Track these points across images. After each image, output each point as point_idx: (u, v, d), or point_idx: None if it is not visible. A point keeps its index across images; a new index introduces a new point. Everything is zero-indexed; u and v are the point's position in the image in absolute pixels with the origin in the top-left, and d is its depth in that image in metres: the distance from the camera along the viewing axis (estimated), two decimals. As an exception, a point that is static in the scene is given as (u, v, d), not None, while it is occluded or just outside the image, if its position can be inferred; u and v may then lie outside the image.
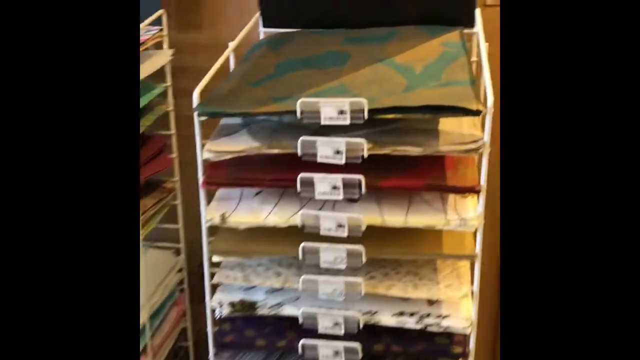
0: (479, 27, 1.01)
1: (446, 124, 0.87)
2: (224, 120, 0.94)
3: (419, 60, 0.94)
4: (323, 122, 0.80)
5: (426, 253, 0.87)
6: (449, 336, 0.89)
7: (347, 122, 0.80)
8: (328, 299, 0.88)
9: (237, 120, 0.93)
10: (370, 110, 0.79)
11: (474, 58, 1.05)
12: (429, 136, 0.84)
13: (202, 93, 0.85)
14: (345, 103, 0.79)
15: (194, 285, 1.47)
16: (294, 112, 0.81)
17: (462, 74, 0.88)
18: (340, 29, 1.09)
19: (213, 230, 0.92)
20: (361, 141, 0.81)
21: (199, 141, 0.86)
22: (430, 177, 0.84)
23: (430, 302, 0.89)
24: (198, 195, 0.89)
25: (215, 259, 0.92)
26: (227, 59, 0.97)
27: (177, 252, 1.31)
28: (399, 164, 0.85)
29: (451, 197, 0.87)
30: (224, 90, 0.90)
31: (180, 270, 1.33)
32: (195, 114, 0.84)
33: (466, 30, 1.06)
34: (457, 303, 0.88)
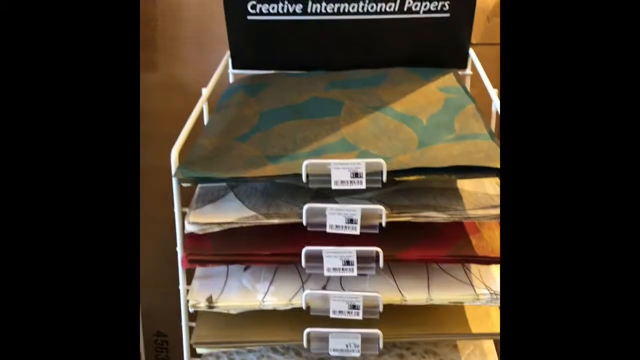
0: (478, 68, 0.92)
1: (465, 181, 0.77)
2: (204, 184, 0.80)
3: (422, 109, 0.84)
4: (334, 186, 0.68)
5: (452, 334, 0.76)
6: None
7: (363, 185, 0.68)
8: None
9: (222, 183, 0.79)
10: (389, 173, 0.67)
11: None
12: (451, 198, 0.74)
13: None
14: (360, 165, 0.67)
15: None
16: (299, 175, 0.68)
17: (477, 124, 0.78)
18: (319, 71, 0.97)
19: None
20: (379, 208, 0.69)
21: (178, 210, 0.71)
22: (453, 245, 0.73)
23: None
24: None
25: (200, 350, 0.76)
26: (201, 109, 0.83)
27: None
28: (414, 228, 0.74)
29: (474, 266, 0.76)
30: (206, 148, 0.76)
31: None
32: (174, 180, 0.69)
33: (460, 72, 0.97)
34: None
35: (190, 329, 0.77)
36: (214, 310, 0.72)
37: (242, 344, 0.75)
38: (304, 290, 0.74)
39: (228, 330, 0.76)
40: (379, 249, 0.70)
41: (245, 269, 0.78)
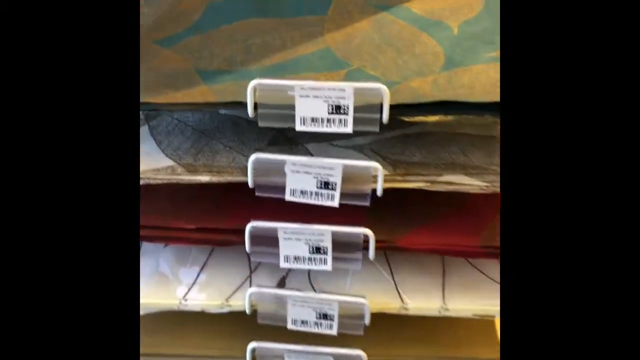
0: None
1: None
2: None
3: (452, 11, 0.54)
4: (300, 125, 0.40)
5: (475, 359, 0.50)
6: None
7: (349, 128, 0.40)
8: None
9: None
10: (393, 108, 0.40)
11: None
12: (491, 154, 0.46)
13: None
14: (346, 92, 0.39)
15: None
16: (241, 104, 0.41)
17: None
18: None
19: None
20: (373, 165, 0.41)
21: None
22: (487, 228, 0.46)
23: None
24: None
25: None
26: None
27: None
28: (427, 201, 0.48)
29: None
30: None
31: None
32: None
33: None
34: None
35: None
36: (109, 308, 0.47)
37: (152, 357, 0.50)
38: (250, 285, 0.48)
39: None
40: (368, 231, 0.43)
41: (165, 245, 0.52)
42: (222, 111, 0.52)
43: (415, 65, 0.46)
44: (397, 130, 0.49)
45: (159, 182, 0.43)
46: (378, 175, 0.41)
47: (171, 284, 0.48)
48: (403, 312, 0.46)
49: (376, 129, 0.40)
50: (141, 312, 0.47)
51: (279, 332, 0.47)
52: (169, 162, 0.44)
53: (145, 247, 0.51)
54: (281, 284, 0.48)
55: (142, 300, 0.47)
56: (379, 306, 0.46)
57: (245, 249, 0.50)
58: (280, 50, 0.49)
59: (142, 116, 0.51)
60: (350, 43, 0.50)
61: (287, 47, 0.50)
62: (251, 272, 0.49)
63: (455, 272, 0.49)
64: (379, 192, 0.42)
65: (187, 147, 0.46)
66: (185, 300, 0.47)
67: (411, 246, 0.45)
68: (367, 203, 0.42)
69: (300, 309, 0.45)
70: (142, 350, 0.49)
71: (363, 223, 0.44)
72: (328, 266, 0.44)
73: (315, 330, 0.46)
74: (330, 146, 0.48)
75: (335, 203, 0.42)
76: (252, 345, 0.47)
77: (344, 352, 0.47)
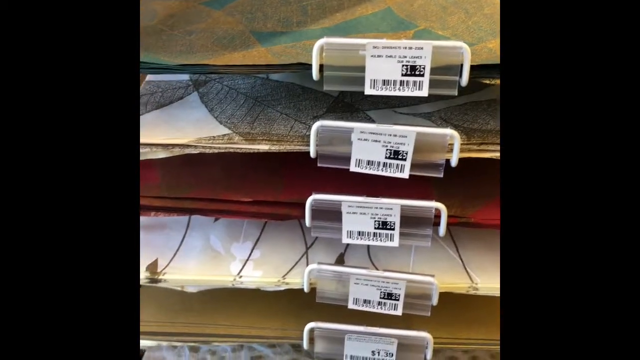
0: None
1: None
2: (152, 76, 0.50)
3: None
4: (370, 89, 0.37)
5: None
6: None
7: (424, 92, 0.37)
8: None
9: (182, 76, 0.49)
10: (475, 68, 0.36)
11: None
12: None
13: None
14: (423, 50, 0.35)
15: None
16: (306, 67, 0.37)
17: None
18: None
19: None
20: (448, 133, 0.38)
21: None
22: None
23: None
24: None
25: (145, 343, 0.49)
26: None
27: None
28: (488, 168, 0.44)
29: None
30: (158, 16, 0.45)
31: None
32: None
33: None
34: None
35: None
36: (160, 285, 0.44)
37: (204, 338, 0.47)
38: (307, 262, 0.45)
39: (183, 315, 0.48)
40: (441, 205, 0.40)
41: (215, 220, 0.49)
42: (274, 77, 0.49)
43: (488, 26, 0.43)
44: (467, 97, 0.46)
45: (216, 151, 0.40)
46: (454, 143, 0.38)
47: (224, 260, 0.45)
48: (472, 291, 0.43)
49: (454, 92, 0.36)
50: (192, 290, 0.45)
51: (336, 311, 0.44)
52: (225, 130, 0.41)
53: (195, 221, 0.49)
54: (340, 261, 0.45)
55: (194, 277, 0.44)
56: (447, 285, 0.43)
57: (299, 223, 0.48)
58: (337, 11, 0.46)
59: (190, 82, 0.48)
60: (412, 3, 0.47)
61: (345, 8, 0.46)
62: (307, 248, 0.46)
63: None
64: (454, 162, 0.38)
65: (241, 114, 0.43)
66: (240, 277, 0.44)
67: (485, 221, 0.41)
68: (440, 174, 0.39)
69: (363, 287, 0.42)
70: (188, 328, 0.47)
71: (431, 197, 0.40)
72: (395, 242, 0.41)
73: (378, 310, 0.43)
74: (393, 113, 0.44)
75: (405, 174, 0.39)
76: (310, 325, 0.44)
77: (409, 334, 0.44)
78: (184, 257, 0.46)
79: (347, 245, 0.46)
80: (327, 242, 0.47)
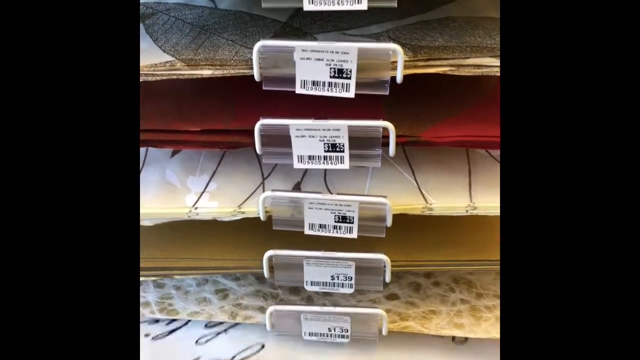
0: None
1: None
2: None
3: None
4: (308, 5, 0.36)
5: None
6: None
7: (364, 5, 0.36)
8: (319, 341, 0.49)
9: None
10: None
11: None
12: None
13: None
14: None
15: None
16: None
17: None
18: None
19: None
20: (392, 47, 0.37)
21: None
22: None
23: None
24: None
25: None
26: None
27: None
28: (452, 90, 0.44)
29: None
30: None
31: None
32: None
33: None
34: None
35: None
36: (116, 220, 0.44)
37: (166, 272, 0.48)
38: (263, 190, 0.45)
39: (143, 250, 0.48)
40: (388, 124, 0.40)
41: (172, 155, 0.49)
42: (222, 5, 0.48)
43: None
44: (416, 17, 0.45)
45: (158, 78, 0.39)
46: (398, 59, 0.37)
47: (179, 193, 0.45)
48: (427, 212, 0.43)
49: (394, 3, 0.36)
50: (148, 223, 0.45)
51: (296, 239, 0.44)
52: (168, 58, 0.41)
53: (151, 156, 0.48)
54: (296, 189, 0.45)
55: (149, 210, 0.44)
56: (401, 207, 0.43)
57: (256, 156, 0.47)
58: None
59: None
60: None
61: None
62: (264, 178, 0.46)
63: (481, 171, 0.46)
64: (399, 79, 0.38)
65: (186, 42, 0.42)
66: (196, 208, 0.44)
67: (436, 139, 0.41)
68: (385, 92, 0.38)
69: (317, 212, 0.43)
70: (152, 264, 0.47)
71: (382, 118, 0.40)
72: (345, 164, 0.41)
73: (334, 234, 0.43)
74: (342, 35, 0.43)
75: (350, 93, 0.39)
76: (268, 253, 0.45)
77: (365, 257, 0.44)
78: (140, 190, 0.45)
79: (304, 174, 0.46)
80: (283, 172, 0.46)
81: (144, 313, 0.50)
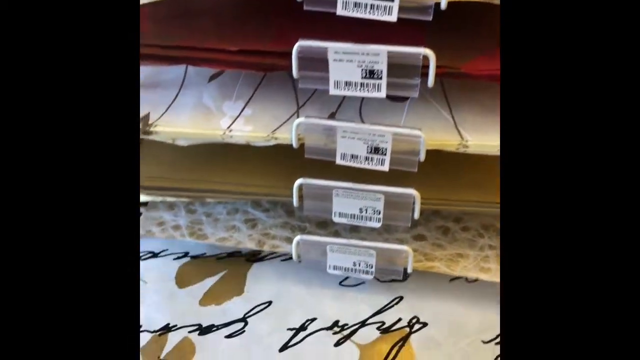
0: None
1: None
2: None
3: None
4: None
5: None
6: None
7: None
8: (343, 275, 0.49)
9: None
10: None
11: None
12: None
13: None
14: None
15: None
16: None
17: None
18: None
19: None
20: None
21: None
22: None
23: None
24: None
25: (143, 197, 0.51)
26: None
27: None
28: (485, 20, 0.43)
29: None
30: None
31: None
32: None
33: None
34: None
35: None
36: (151, 137, 0.45)
37: (197, 193, 0.48)
38: (297, 117, 0.45)
39: (176, 170, 0.49)
40: (429, 51, 0.39)
41: (210, 80, 0.49)
42: None
43: None
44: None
45: (200, -7, 0.39)
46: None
47: (215, 116, 0.46)
48: (462, 149, 0.42)
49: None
50: (183, 143, 0.45)
51: (326, 170, 0.44)
52: (211, -26, 0.40)
53: (189, 80, 0.49)
54: (333, 116, 0.45)
55: (183, 129, 0.45)
56: (435, 142, 0.42)
57: (292, 85, 0.47)
58: None
59: None
60: None
61: None
62: (299, 107, 0.46)
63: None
64: (443, 5, 0.37)
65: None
66: (230, 131, 0.44)
67: (475, 72, 0.40)
68: (429, 17, 0.37)
69: (350, 141, 0.42)
70: (184, 185, 0.48)
71: (422, 43, 0.39)
72: (382, 93, 0.41)
73: (365, 165, 0.43)
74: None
75: (393, 17, 0.38)
76: (299, 182, 0.45)
77: (395, 191, 0.44)
78: (175, 112, 0.46)
79: (339, 105, 0.46)
80: (319, 102, 0.46)
81: (175, 235, 0.51)
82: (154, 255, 0.53)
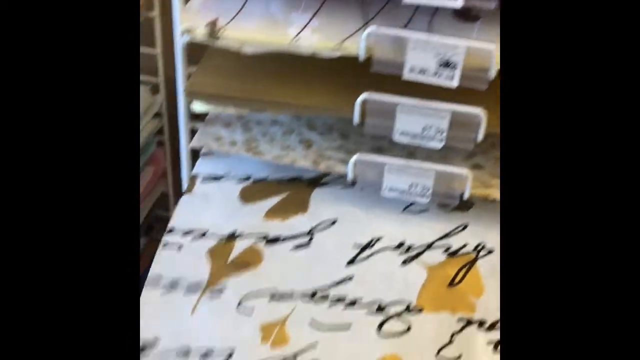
0: None
1: None
2: None
3: None
4: None
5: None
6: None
7: None
8: (397, 198, 0.49)
9: None
10: None
11: None
12: None
13: None
14: None
15: (177, 136, 1.07)
16: None
17: None
18: None
19: (195, 53, 0.51)
20: None
21: None
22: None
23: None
24: None
25: (198, 107, 0.51)
26: None
27: (155, 88, 0.89)
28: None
29: None
30: None
31: (157, 114, 0.92)
32: None
33: None
34: None
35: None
36: (218, 43, 0.45)
37: (257, 104, 0.48)
38: (366, 29, 0.44)
39: (237, 83, 0.49)
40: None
41: (277, -10, 0.49)
42: None
43: None
44: None
45: None
46: None
47: (282, 25, 0.45)
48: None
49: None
50: (249, 50, 0.45)
51: (392, 82, 0.44)
52: None
53: (257, -12, 0.48)
54: (404, 26, 0.44)
55: (251, 36, 0.44)
56: (508, 59, 0.41)
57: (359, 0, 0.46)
58: None
59: None
60: None
61: None
62: (366, 21, 0.45)
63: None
64: None
65: None
66: (297, 40, 0.44)
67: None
68: None
69: (421, 54, 0.42)
70: (242, 93, 0.48)
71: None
72: (457, 2, 0.40)
73: (434, 80, 0.42)
74: None
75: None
76: (363, 96, 0.44)
77: (462, 109, 0.43)
78: (243, 19, 0.46)
79: (409, 21, 0.45)
80: (387, 18, 0.45)
81: (231, 151, 0.51)
82: (216, 178, 0.53)
